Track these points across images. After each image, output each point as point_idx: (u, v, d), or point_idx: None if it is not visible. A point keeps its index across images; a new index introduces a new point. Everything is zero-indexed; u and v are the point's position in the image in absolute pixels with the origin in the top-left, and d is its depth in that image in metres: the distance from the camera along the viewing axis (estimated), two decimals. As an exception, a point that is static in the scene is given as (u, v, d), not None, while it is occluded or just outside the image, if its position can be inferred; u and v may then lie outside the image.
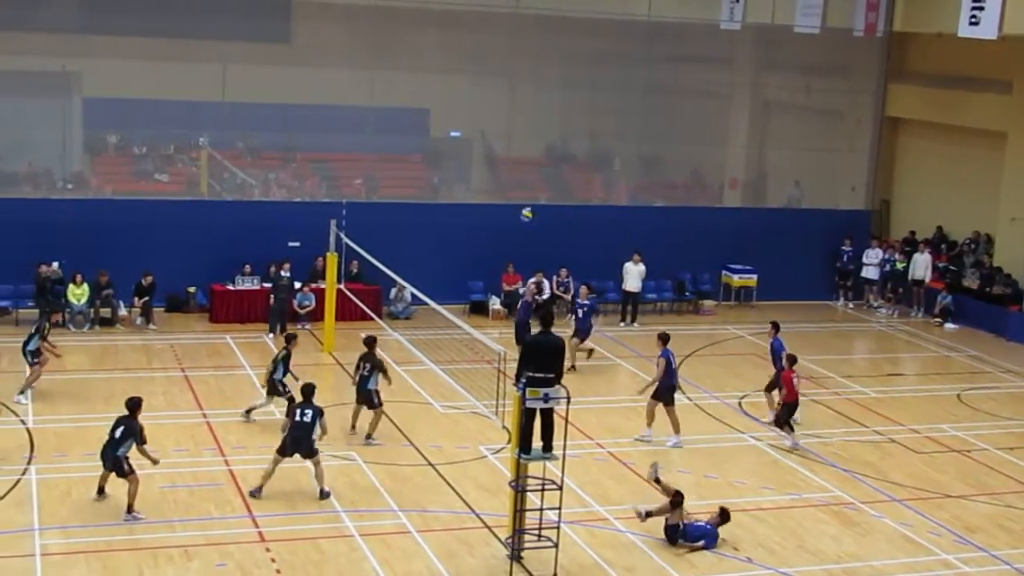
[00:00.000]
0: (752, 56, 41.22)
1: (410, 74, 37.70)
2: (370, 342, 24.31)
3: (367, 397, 23.90)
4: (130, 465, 20.03)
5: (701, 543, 19.75)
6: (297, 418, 21.01)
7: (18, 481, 21.12)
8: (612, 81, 39.43)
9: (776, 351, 26.44)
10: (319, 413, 21.11)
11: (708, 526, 20.08)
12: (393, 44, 37.11)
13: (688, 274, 37.74)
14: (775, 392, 26.10)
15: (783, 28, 38.24)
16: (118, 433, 20.02)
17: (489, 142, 40.15)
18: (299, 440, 20.90)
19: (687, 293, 37.66)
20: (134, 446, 20.05)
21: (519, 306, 30.96)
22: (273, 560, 18.54)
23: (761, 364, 28.27)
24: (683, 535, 19.81)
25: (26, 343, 25.76)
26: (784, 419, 24.89)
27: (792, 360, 25.16)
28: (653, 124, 39.64)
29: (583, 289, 30.80)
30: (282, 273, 32.38)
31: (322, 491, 21.03)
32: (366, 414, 24.10)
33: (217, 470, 22.11)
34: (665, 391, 24.61)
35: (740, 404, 27.81)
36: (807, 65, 40.36)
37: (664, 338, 24.97)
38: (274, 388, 24.65)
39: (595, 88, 39.57)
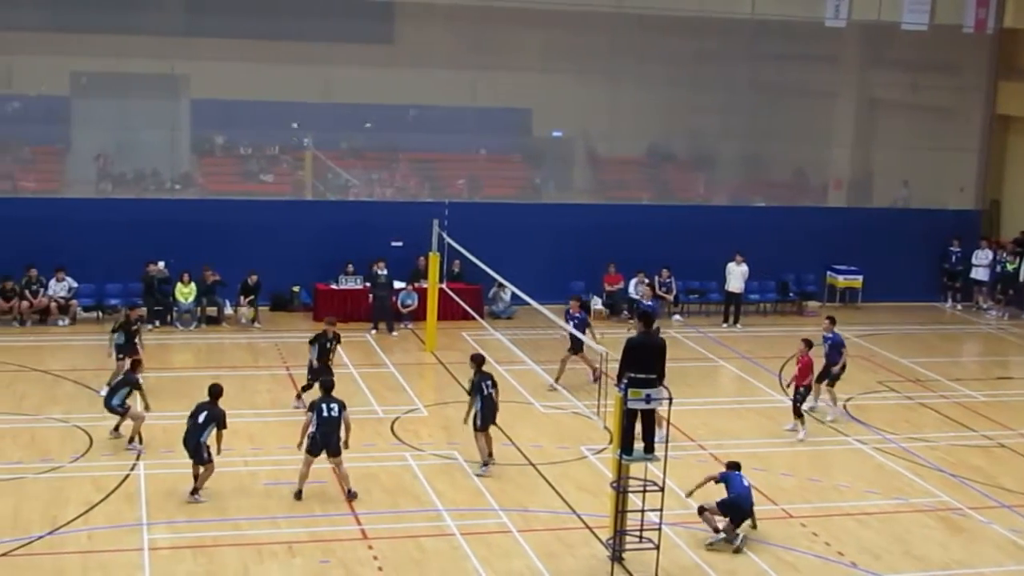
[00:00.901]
0: (857, 53, 40.66)
1: (512, 74, 37.73)
2: (480, 360, 22.98)
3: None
4: (210, 453, 20.51)
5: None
6: (324, 414, 20.72)
7: (127, 476, 21.47)
8: (715, 80, 39.17)
9: (835, 345, 26.17)
10: (343, 407, 20.90)
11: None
12: (495, 44, 37.21)
13: (792, 275, 37.39)
14: (824, 383, 26.22)
15: (890, 25, 37.78)
16: (201, 418, 20.42)
17: (591, 142, 40.08)
18: (328, 436, 20.65)
19: (791, 294, 37.31)
20: (214, 431, 20.50)
21: (638, 308, 29.52)
22: (375, 558, 18.66)
23: (866, 367, 27.94)
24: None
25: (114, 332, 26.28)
26: (799, 404, 24.84)
27: (809, 345, 25.06)
28: (756, 123, 39.31)
29: (647, 290, 30.60)
30: (379, 271, 32.59)
31: (349, 491, 20.86)
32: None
33: (320, 467, 22.23)
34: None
35: (844, 407, 27.47)
36: (914, 62, 39.75)
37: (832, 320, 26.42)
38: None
39: (697, 87, 39.33)
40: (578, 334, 25.56)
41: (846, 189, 41.51)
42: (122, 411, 22.93)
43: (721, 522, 19.68)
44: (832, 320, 26.89)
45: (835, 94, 41.34)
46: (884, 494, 22.41)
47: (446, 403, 25.77)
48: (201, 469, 20.56)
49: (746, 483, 20.01)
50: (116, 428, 23.29)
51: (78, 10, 34.60)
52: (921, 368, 30.88)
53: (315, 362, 25.05)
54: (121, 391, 23.05)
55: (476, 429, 22.34)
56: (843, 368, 26.32)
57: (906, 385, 29.17)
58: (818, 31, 37.96)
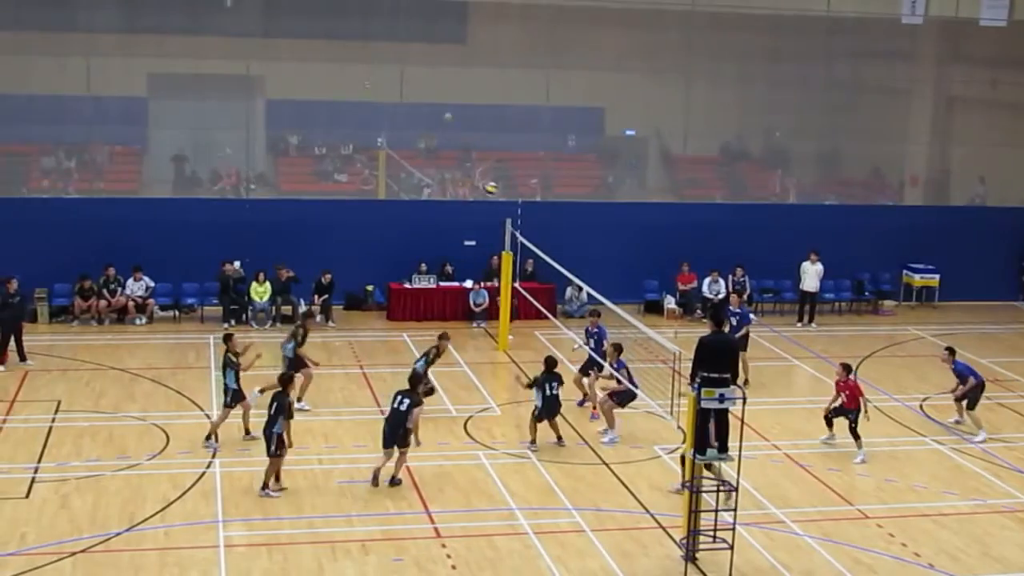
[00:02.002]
0: (934, 50, 40.26)
1: (584, 73, 37.71)
2: (550, 362, 23.63)
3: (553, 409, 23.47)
4: (280, 445, 20.58)
5: None
6: (395, 405, 21.31)
7: (203, 474, 21.67)
8: (789, 78, 38.94)
9: (962, 373, 25.70)
10: (415, 404, 21.27)
11: None
12: (568, 43, 37.18)
13: (867, 273, 37.05)
14: (964, 401, 25.58)
15: (967, 20, 37.37)
16: (272, 409, 20.52)
17: (664, 140, 39.96)
18: (395, 427, 21.15)
19: (866, 293, 36.97)
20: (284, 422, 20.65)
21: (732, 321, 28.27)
22: (449, 556, 18.70)
23: (943, 367, 27.54)
24: None
25: (284, 344, 25.59)
26: (854, 426, 23.82)
27: (847, 369, 24.06)
28: (831, 121, 39.02)
29: (733, 297, 29.67)
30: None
31: (394, 478, 21.26)
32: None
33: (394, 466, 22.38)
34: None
35: (921, 407, 27.19)
36: (993, 58, 39.29)
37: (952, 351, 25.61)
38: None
39: (771, 85, 39.12)
40: (596, 356, 25.36)
41: (923, 187, 41.09)
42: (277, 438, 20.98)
43: None
44: (951, 351, 25.92)
45: (911, 91, 40.97)
46: (962, 495, 22.15)
47: (519, 402, 25.76)
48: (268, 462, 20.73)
49: None
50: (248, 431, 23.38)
51: (154, 12, 35.06)
52: (999, 368, 30.50)
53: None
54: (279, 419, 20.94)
55: (534, 416, 23.31)
56: (964, 396, 25.66)
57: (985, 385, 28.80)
58: (894, 27, 37.62)
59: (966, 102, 40.94)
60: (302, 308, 32.96)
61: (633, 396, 23.75)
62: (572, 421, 24.86)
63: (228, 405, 23.01)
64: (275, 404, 20.69)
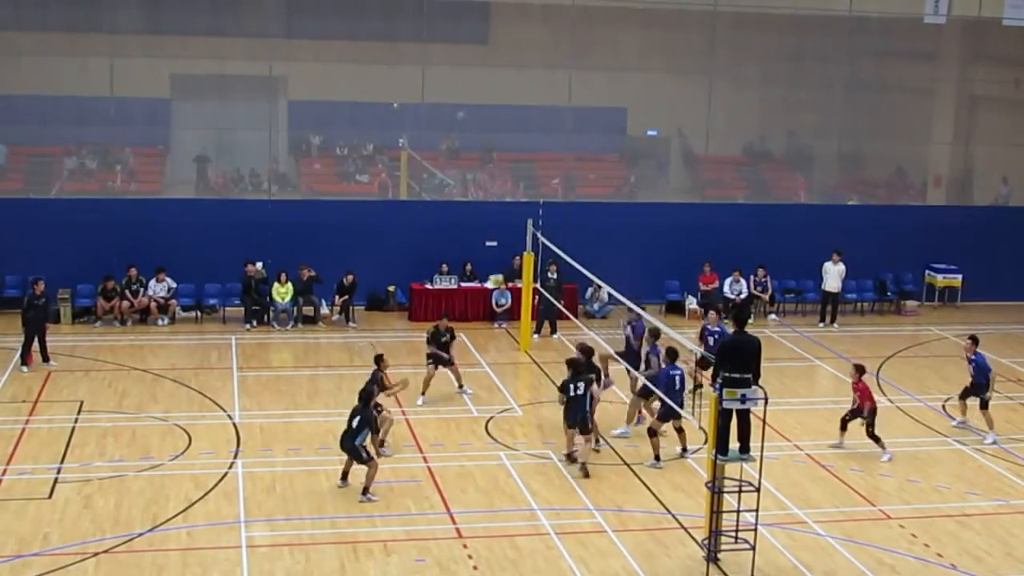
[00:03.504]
0: (958, 50, 40.17)
1: (607, 73, 37.73)
2: (587, 352, 23.09)
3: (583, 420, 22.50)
4: (368, 452, 20.76)
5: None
6: (571, 393, 22.03)
7: (225, 474, 21.73)
8: (812, 78, 38.90)
9: (980, 368, 25.55)
10: (590, 383, 22.16)
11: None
12: (590, 43, 37.20)
13: (890, 274, 36.94)
14: (969, 399, 25.49)
15: (991, 20, 37.25)
16: (355, 423, 20.59)
17: (687, 140, 39.93)
18: (575, 412, 22.09)
19: (889, 293, 36.87)
20: (369, 435, 20.85)
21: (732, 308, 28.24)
22: (470, 557, 18.72)
23: (966, 367, 27.41)
24: None
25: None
26: (871, 428, 23.65)
27: (861, 370, 23.77)
28: (854, 121, 38.96)
29: (712, 315, 27.65)
30: (550, 274, 32.30)
31: (583, 466, 21.98)
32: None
33: (416, 467, 22.40)
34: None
35: (943, 407, 27.10)
36: (1016, 58, 39.20)
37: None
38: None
39: (794, 85, 39.07)
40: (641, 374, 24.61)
41: (946, 187, 40.98)
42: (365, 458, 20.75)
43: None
44: (974, 340, 25.75)
45: (934, 91, 40.88)
46: (985, 495, 22.07)
47: (540, 403, 25.77)
48: (365, 469, 20.74)
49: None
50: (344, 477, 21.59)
51: (177, 13, 35.18)
52: (1022, 368, 30.37)
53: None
54: (363, 432, 20.73)
55: (566, 424, 22.69)
56: (972, 394, 25.49)
57: (1007, 385, 28.67)
58: (917, 27, 37.54)
59: (989, 102, 40.81)
60: (324, 310, 33.05)
61: (675, 414, 22.75)
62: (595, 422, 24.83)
63: (366, 461, 20.98)
64: (358, 418, 20.59)
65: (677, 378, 22.53)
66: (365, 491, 20.67)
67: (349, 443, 20.69)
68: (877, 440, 23.55)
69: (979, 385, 25.30)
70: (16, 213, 33.01)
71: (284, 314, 32.72)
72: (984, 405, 25.30)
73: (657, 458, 22.70)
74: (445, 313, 28.50)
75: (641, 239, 35.15)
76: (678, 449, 23.19)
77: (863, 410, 23.62)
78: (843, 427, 24.04)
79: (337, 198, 36.66)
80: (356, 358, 29.69)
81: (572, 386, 22.33)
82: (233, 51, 35.40)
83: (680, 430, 23.10)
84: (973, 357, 25.48)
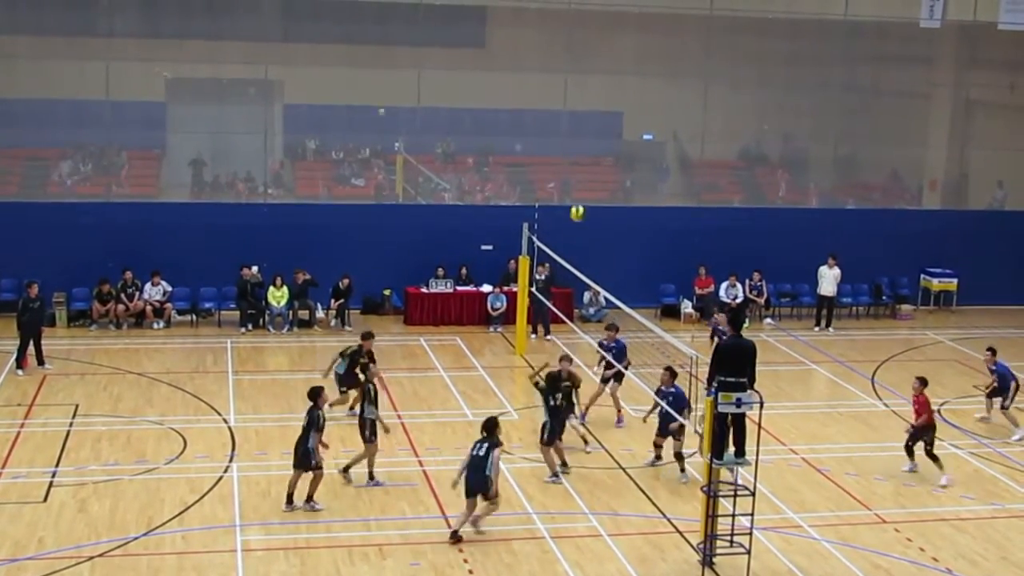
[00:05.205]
0: (953, 54, 40.21)
1: (603, 77, 37.75)
2: (552, 376, 22.46)
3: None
4: (317, 460, 20.26)
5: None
6: (474, 451, 19.68)
7: (220, 478, 21.72)
8: (808, 82, 38.92)
9: (1003, 377, 25.74)
10: (494, 446, 19.64)
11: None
12: (586, 47, 37.21)
13: (886, 278, 36.96)
14: (995, 399, 25.85)
15: (986, 25, 37.28)
16: (303, 424, 20.39)
17: (682, 145, 39.95)
18: (475, 476, 19.54)
19: (884, 297, 36.88)
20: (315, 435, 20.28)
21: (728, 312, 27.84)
22: (466, 561, 18.71)
23: (962, 370, 27.57)
24: None
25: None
26: (911, 444, 23.09)
27: (923, 383, 23.14)
28: (849, 125, 39.03)
29: (720, 316, 27.15)
30: (538, 276, 32.23)
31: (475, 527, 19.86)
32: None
33: (411, 470, 22.40)
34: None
35: (939, 411, 27.11)
36: (1011, 62, 39.21)
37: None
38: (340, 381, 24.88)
39: (790, 89, 39.11)
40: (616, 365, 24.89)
41: (941, 191, 41.01)
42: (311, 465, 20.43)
43: None
44: (992, 351, 26.16)
45: (930, 95, 40.94)
46: (980, 499, 22.09)
47: (536, 406, 25.74)
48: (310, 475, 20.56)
49: None
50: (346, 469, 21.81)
51: (173, 17, 35.18)
52: (1018, 372, 30.35)
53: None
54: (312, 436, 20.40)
55: (542, 442, 22.20)
56: (998, 394, 25.79)
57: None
58: (913, 32, 37.57)
59: (984, 106, 40.87)
60: (319, 313, 33.03)
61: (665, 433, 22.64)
62: (589, 426, 24.84)
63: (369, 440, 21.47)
64: (307, 419, 20.33)
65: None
66: (309, 498, 20.33)
67: (301, 448, 20.17)
68: (935, 459, 22.83)
69: (1004, 389, 25.70)
70: (11, 216, 32.94)
71: (280, 318, 32.70)
72: (1004, 407, 25.53)
73: (682, 471, 22.46)
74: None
75: (637, 243, 35.14)
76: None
77: (921, 428, 22.84)
78: (909, 453, 23.17)
79: (333, 202, 36.66)
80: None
81: (550, 398, 22.06)
82: (229, 55, 35.40)
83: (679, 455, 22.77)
84: (994, 368, 25.73)
